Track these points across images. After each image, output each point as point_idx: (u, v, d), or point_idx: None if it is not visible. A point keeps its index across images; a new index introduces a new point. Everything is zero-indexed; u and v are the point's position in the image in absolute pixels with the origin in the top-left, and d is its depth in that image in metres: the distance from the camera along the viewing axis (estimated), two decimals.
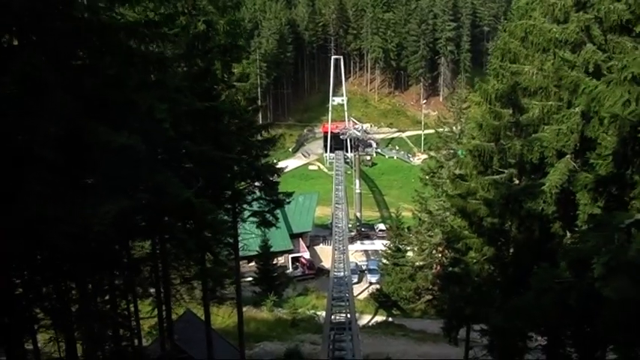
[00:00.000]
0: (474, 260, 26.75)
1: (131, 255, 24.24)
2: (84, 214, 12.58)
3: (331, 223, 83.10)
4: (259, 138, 31.60)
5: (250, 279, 61.14)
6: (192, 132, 22.77)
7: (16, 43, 12.92)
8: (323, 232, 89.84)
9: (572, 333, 18.63)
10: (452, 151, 50.96)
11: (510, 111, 23.39)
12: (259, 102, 28.26)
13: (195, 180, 22.06)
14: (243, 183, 31.13)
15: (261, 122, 34.15)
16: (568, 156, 20.20)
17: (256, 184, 31.97)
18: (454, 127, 52.51)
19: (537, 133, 22.01)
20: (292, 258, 78.47)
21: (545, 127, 21.39)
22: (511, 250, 24.42)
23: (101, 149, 12.94)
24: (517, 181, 23.97)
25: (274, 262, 65.08)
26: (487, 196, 24.35)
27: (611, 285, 11.20)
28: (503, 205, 23.06)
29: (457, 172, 31.53)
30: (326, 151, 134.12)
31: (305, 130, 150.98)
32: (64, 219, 12.41)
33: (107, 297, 23.03)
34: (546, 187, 19.84)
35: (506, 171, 24.46)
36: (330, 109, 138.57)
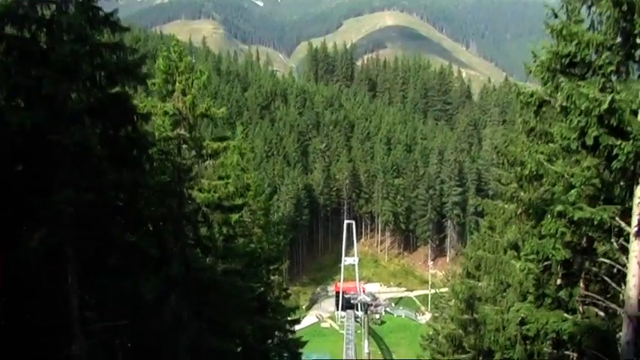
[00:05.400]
0: None
1: None
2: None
3: None
4: (288, 319, 41.48)
5: None
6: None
7: None
8: None
9: None
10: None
11: (470, 311, 33.33)
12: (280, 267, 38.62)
13: None
14: (274, 353, 40.60)
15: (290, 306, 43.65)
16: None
17: (285, 354, 41.38)
18: (449, 302, 61.56)
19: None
20: None
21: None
22: None
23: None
24: None
25: None
26: None
27: None
28: None
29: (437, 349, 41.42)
30: (337, 309, 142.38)
31: (318, 289, 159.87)
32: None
33: None
34: None
35: (471, 352, 34.02)
36: (342, 269, 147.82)
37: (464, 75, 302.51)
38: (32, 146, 16.42)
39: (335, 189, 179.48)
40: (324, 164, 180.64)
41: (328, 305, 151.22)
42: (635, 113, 14.05)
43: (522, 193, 21.80)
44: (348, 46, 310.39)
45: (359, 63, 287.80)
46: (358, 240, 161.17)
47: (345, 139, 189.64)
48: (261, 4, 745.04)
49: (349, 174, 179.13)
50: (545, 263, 20.37)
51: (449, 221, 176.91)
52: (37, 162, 16.83)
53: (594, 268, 19.60)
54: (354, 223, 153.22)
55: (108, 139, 17.99)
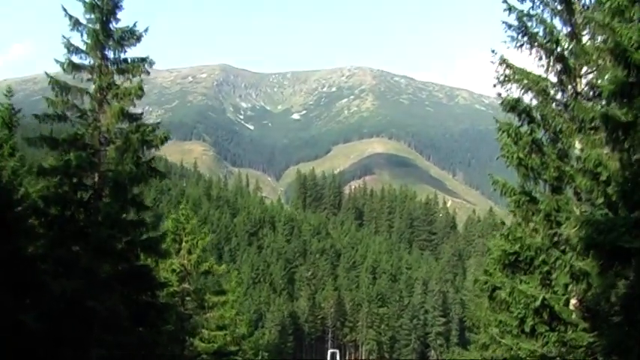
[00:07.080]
0: None
1: None
2: None
3: None
4: None
5: None
6: None
7: None
8: None
9: None
10: None
11: None
12: None
13: None
14: None
15: None
16: None
17: None
18: None
19: None
20: None
21: None
22: None
23: None
24: None
25: None
26: None
27: None
28: None
29: None
30: None
31: None
32: None
33: None
34: None
35: None
36: None
37: (449, 204, 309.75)
38: (70, 309, 19.53)
39: (320, 317, 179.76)
40: (310, 292, 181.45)
41: None
42: (567, 303, 17.45)
43: (488, 352, 24.84)
44: (336, 172, 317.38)
45: (347, 190, 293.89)
46: None
47: (331, 267, 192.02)
48: (251, 127, 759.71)
49: (334, 302, 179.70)
50: None
51: (432, 351, 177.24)
52: (72, 322, 19.88)
53: None
54: (337, 352, 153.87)
55: (130, 302, 21.17)
